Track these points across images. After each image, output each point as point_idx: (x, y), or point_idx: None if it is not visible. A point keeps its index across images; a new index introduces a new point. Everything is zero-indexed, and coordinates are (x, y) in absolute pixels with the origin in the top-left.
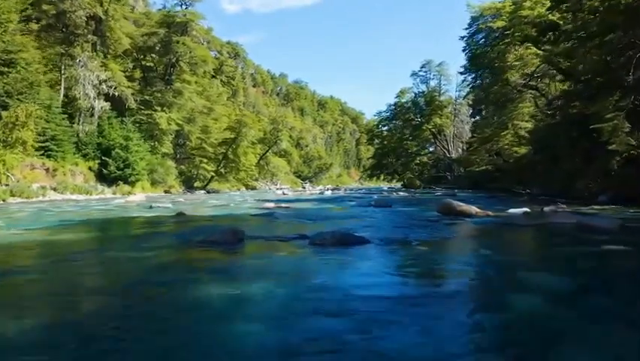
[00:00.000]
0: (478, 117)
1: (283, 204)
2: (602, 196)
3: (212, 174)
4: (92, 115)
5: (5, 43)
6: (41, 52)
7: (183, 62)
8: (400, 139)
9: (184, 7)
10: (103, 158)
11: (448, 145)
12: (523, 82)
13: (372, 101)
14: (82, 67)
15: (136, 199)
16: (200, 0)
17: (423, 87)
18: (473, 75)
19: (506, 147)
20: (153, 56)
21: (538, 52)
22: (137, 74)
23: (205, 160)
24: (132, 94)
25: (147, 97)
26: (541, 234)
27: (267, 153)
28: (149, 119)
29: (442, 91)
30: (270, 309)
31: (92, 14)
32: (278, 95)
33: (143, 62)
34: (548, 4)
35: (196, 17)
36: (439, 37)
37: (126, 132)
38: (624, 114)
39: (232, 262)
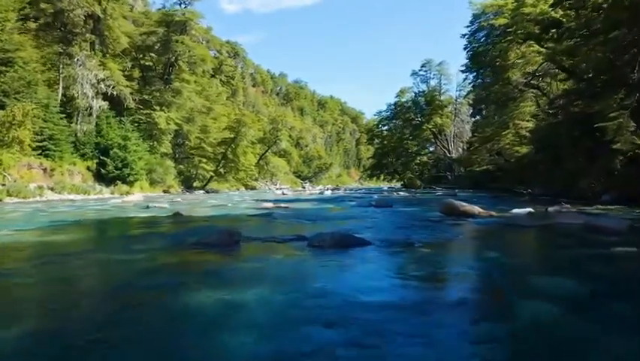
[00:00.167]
0: (478, 117)
1: (282, 205)
2: (605, 196)
3: (212, 173)
4: (90, 114)
5: (2, 42)
6: (39, 51)
7: (182, 62)
8: (400, 139)
9: (183, 6)
10: (101, 158)
11: (448, 145)
12: (525, 81)
13: (372, 101)
14: (80, 66)
15: (133, 199)
16: None
17: (423, 87)
18: (474, 74)
19: (507, 146)
20: (152, 55)
21: (541, 50)
22: (136, 73)
23: (204, 160)
24: (131, 93)
25: (146, 96)
26: (548, 235)
27: (267, 153)
28: (148, 119)
29: (443, 90)
30: (264, 317)
31: (90, 13)
32: (277, 94)
33: (142, 62)
34: (551, 1)
35: (195, 16)
36: (439, 37)
37: (124, 132)
38: (629, 113)
39: (226, 266)
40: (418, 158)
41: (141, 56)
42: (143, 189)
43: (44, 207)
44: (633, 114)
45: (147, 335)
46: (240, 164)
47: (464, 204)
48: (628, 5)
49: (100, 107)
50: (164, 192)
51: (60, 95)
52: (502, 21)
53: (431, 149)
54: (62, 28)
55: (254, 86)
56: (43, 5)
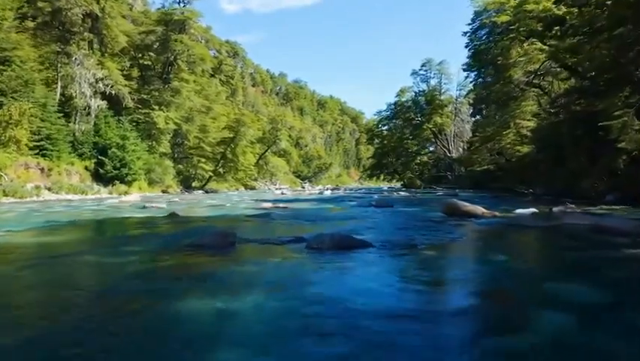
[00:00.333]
0: (479, 116)
1: (281, 205)
2: (609, 196)
3: (211, 173)
4: (88, 114)
5: (0, 41)
6: (37, 50)
7: (181, 61)
8: (400, 138)
9: (182, 5)
10: (99, 157)
11: (448, 144)
12: (526, 79)
13: (372, 100)
14: (78, 65)
15: (130, 199)
16: None
17: (423, 86)
18: (475, 73)
19: (508, 146)
20: (151, 54)
21: (544, 47)
22: (135, 72)
23: (203, 160)
24: (129, 93)
25: (145, 96)
26: (555, 236)
27: (266, 153)
28: (147, 118)
29: (443, 90)
30: (258, 327)
31: (88, 12)
32: (277, 94)
33: (141, 61)
34: None
35: (194, 15)
36: (439, 37)
37: (123, 131)
38: (634, 111)
39: (219, 269)
40: (418, 158)
41: (140, 55)
42: (141, 189)
43: (40, 207)
44: (638, 113)
45: (128, 347)
46: (239, 164)
47: (467, 204)
48: (632, 1)
49: (98, 106)
50: (163, 192)
51: (58, 94)
52: (504, 18)
53: (431, 149)
54: (60, 27)
55: (253, 85)
56: (40, 4)
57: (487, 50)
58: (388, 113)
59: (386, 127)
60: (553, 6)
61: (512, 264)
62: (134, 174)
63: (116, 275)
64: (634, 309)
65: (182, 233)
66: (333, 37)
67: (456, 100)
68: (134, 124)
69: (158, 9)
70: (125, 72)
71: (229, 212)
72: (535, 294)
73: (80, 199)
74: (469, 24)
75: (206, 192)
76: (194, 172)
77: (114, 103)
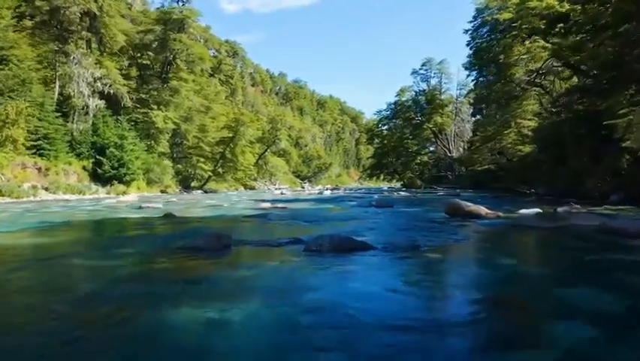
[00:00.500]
0: (479, 116)
1: (280, 205)
2: (613, 196)
3: (210, 173)
4: (86, 113)
5: None
6: (35, 49)
7: (180, 60)
8: (400, 138)
9: (181, 3)
10: (97, 157)
11: (449, 144)
12: (528, 78)
13: (372, 100)
14: (76, 64)
15: (128, 199)
16: None
17: (423, 85)
18: (476, 71)
19: (509, 145)
20: (150, 53)
21: (546, 45)
22: (133, 72)
23: (202, 159)
24: (128, 92)
25: (143, 95)
26: (563, 238)
27: (266, 153)
28: (145, 118)
29: (443, 89)
30: (250, 340)
31: (86, 10)
32: (277, 94)
33: (140, 60)
34: None
35: (193, 14)
36: (439, 37)
37: (121, 131)
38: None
39: (212, 274)
40: (419, 157)
41: (139, 54)
42: (140, 189)
43: (36, 207)
44: None
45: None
46: (238, 164)
47: (469, 204)
48: None
49: (96, 105)
50: (162, 192)
51: (56, 93)
52: (506, 15)
53: (431, 148)
54: (58, 26)
55: (253, 85)
56: (38, 2)
57: (488, 48)
58: (388, 112)
59: (386, 127)
60: (557, 3)
61: (521, 268)
62: (132, 173)
63: (101, 280)
64: None
65: (175, 234)
66: (333, 37)
67: (456, 99)
68: (133, 124)
69: (158, 8)
70: (123, 71)
71: (226, 212)
72: (549, 301)
73: (77, 199)
74: (471, 21)
75: (205, 192)
76: (193, 172)
77: (112, 102)
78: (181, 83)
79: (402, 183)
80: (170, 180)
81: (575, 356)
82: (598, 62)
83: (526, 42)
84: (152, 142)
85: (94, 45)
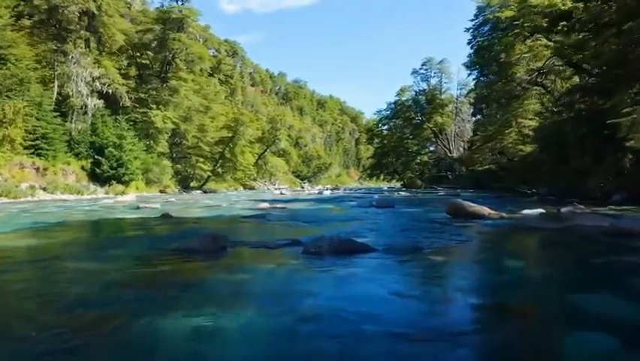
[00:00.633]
0: (479, 116)
1: (279, 205)
2: (615, 196)
3: (209, 173)
4: (85, 113)
5: None
6: (33, 48)
7: (179, 59)
8: (400, 138)
9: (180, 3)
10: (96, 157)
11: (449, 144)
12: (529, 78)
13: (371, 100)
14: (74, 64)
15: (126, 199)
16: None
17: (424, 85)
18: (477, 70)
19: (510, 145)
20: (149, 53)
21: (549, 43)
22: (133, 71)
23: (202, 159)
24: (127, 92)
25: (142, 95)
26: (570, 240)
27: (266, 153)
28: (144, 118)
29: (444, 89)
30: (244, 351)
31: (84, 9)
32: (277, 94)
33: (139, 60)
34: None
35: (192, 14)
36: (439, 37)
37: (120, 131)
38: None
39: (206, 278)
40: (419, 157)
41: (138, 54)
42: (139, 189)
43: (33, 207)
44: None
45: None
46: (237, 163)
47: (472, 204)
48: None
49: (95, 105)
50: (161, 192)
51: (55, 93)
52: (508, 13)
53: (432, 148)
54: (57, 25)
55: (253, 85)
56: (36, 2)
57: (489, 47)
58: (388, 112)
59: (386, 127)
60: (559, 0)
61: (529, 272)
62: (131, 173)
63: (90, 285)
64: None
65: (170, 236)
66: (332, 37)
67: (456, 99)
68: (132, 123)
69: (157, 8)
70: (122, 71)
71: (224, 213)
72: (562, 309)
73: (75, 199)
74: (472, 20)
75: (205, 192)
76: (192, 172)
77: (111, 102)
78: (180, 82)
79: (402, 183)
80: (169, 180)
81: None
82: (601, 61)
83: (528, 40)
84: (151, 142)
85: (93, 44)
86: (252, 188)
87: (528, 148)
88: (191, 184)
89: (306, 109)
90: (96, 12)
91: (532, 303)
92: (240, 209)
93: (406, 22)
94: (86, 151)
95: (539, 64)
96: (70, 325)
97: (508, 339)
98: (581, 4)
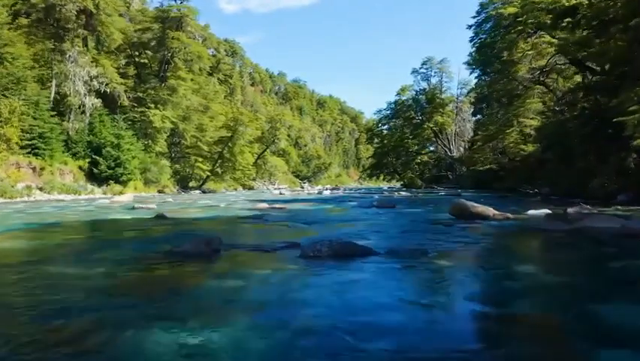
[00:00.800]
0: (480, 115)
1: (277, 205)
2: (620, 196)
3: (208, 173)
4: (82, 112)
5: None
6: (31, 47)
7: (178, 59)
8: (400, 138)
9: (179, 1)
10: (94, 157)
11: (449, 144)
12: (531, 77)
13: (371, 100)
14: (72, 63)
15: (122, 199)
16: None
17: (424, 84)
18: (479, 69)
19: (512, 144)
20: (147, 52)
21: (552, 41)
22: (131, 70)
23: (200, 159)
24: (125, 91)
25: (141, 94)
26: (581, 242)
27: (265, 153)
28: (143, 117)
29: (444, 88)
30: None
31: (82, 8)
32: (276, 94)
33: (137, 59)
34: None
35: (191, 12)
36: (439, 37)
37: (118, 130)
38: None
39: (197, 284)
40: (419, 157)
41: (136, 52)
42: (137, 189)
43: (27, 207)
44: None
45: None
46: (237, 163)
47: (476, 205)
48: None
49: (93, 104)
50: (159, 192)
51: (52, 92)
52: (511, 10)
53: (432, 148)
54: (54, 24)
55: (252, 85)
56: (34, 0)
57: (492, 44)
58: (388, 112)
59: (386, 126)
60: None
61: (542, 277)
62: (129, 173)
63: (71, 292)
64: None
65: (163, 238)
66: (332, 37)
67: (457, 99)
68: (130, 123)
69: (156, 7)
70: (121, 70)
71: (221, 213)
72: (582, 319)
73: (72, 199)
74: (474, 17)
75: (204, 192)
76: (191, 172)
77: (109, 101)
78: (179, 81)
79: (402, 183)
80: (167, 180)
81: None
82: (607, 58)
83: (531, 38)
84: (150, 142)
85: (91, 43)
86: (251, 188)
87: (530, 148)
88: (190, 184)
89: (305, 109)
90: (94, 10)
91: (546, 313)
92: (238, 209)
93: (406, 22)
94: (84, 151)
95: (542, 62)
96: (43, 339)
97: (524, 354)
98: (585, 0)
